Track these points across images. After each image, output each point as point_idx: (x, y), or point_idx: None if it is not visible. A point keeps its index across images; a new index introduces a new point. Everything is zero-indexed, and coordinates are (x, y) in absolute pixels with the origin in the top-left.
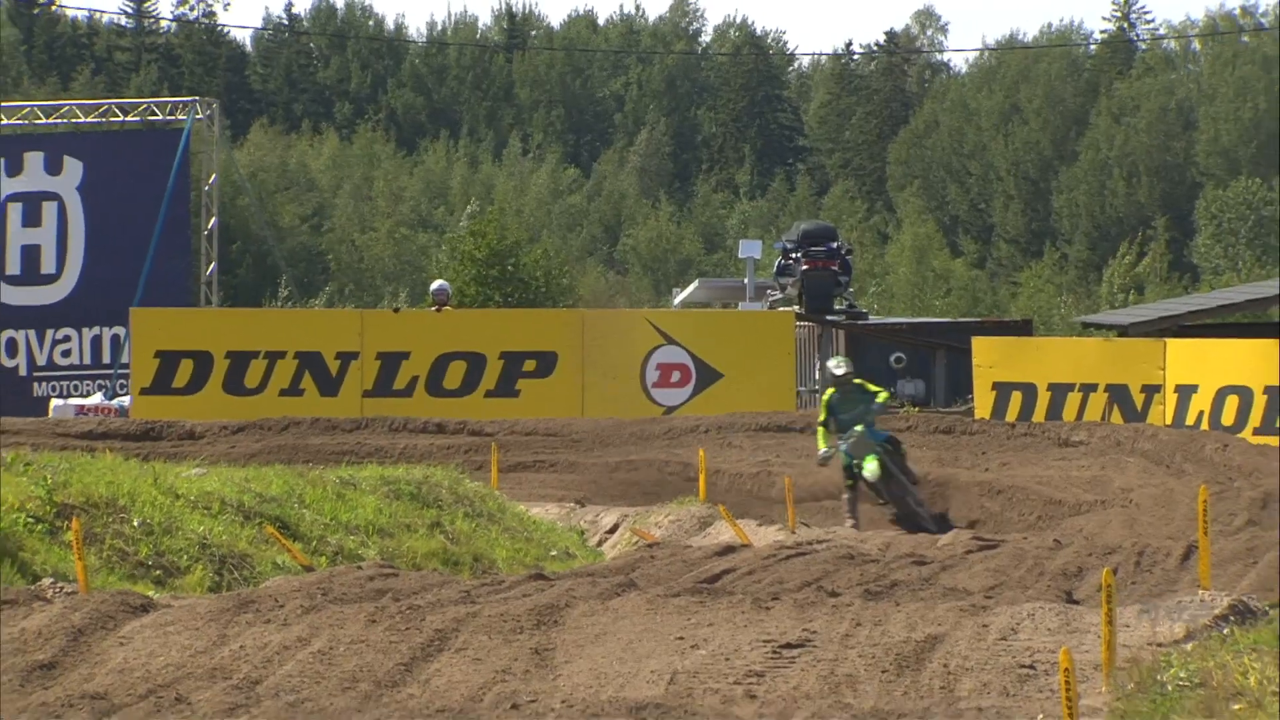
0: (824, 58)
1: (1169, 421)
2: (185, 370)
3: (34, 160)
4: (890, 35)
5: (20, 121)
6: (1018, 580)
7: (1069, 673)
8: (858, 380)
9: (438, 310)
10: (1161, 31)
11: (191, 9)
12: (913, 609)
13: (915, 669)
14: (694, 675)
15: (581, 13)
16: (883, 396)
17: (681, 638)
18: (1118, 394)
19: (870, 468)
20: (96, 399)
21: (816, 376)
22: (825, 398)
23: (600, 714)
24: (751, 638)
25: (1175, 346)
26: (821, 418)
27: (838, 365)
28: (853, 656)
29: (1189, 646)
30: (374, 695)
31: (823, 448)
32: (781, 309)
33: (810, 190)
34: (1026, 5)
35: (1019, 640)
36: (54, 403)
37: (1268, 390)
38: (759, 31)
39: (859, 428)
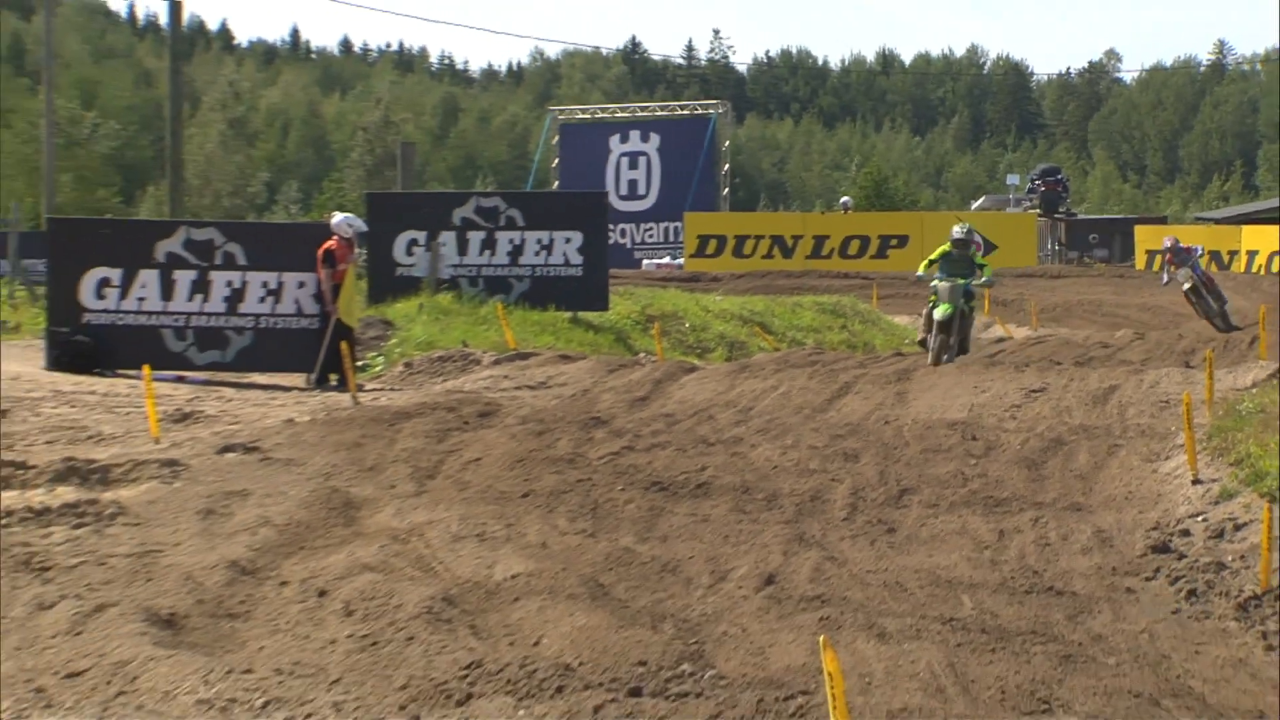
0: (1055, 75)
1: (1242, 270)
2: (712, 245)
3: (634, 134)
4: (1091, 64)
5: (628, 115)
6: (1159, 356)
7: (1188, 405)
8: (972, 251)
9: (845, 213)
10: (1241, 59)
11: (715, 53)
12: (1102, 371)
13: (1103, 403)
14: (983, 407)
15: (922, 53)
16: (987, 272)
17: (976, 387)
18: (1215, 256)
19: (942, 310)
20: (666, 260)
21: (1042, 251)
22: (940, 250)
23: (931, 426)
24: (1013, 387)
25: (1247, 230)
26: (930, 257)
27: (959, 228)
28: (1069, 397)
29: (1254, 390)
30: (810, 416)
31: (922, 272)
32: (1029, 211)
33: (1045, 148)
34: (1166, 45)
35: (1160, 388)
36: (645, 262)
37: None
38: (1016, 60)
39: (961, 280)
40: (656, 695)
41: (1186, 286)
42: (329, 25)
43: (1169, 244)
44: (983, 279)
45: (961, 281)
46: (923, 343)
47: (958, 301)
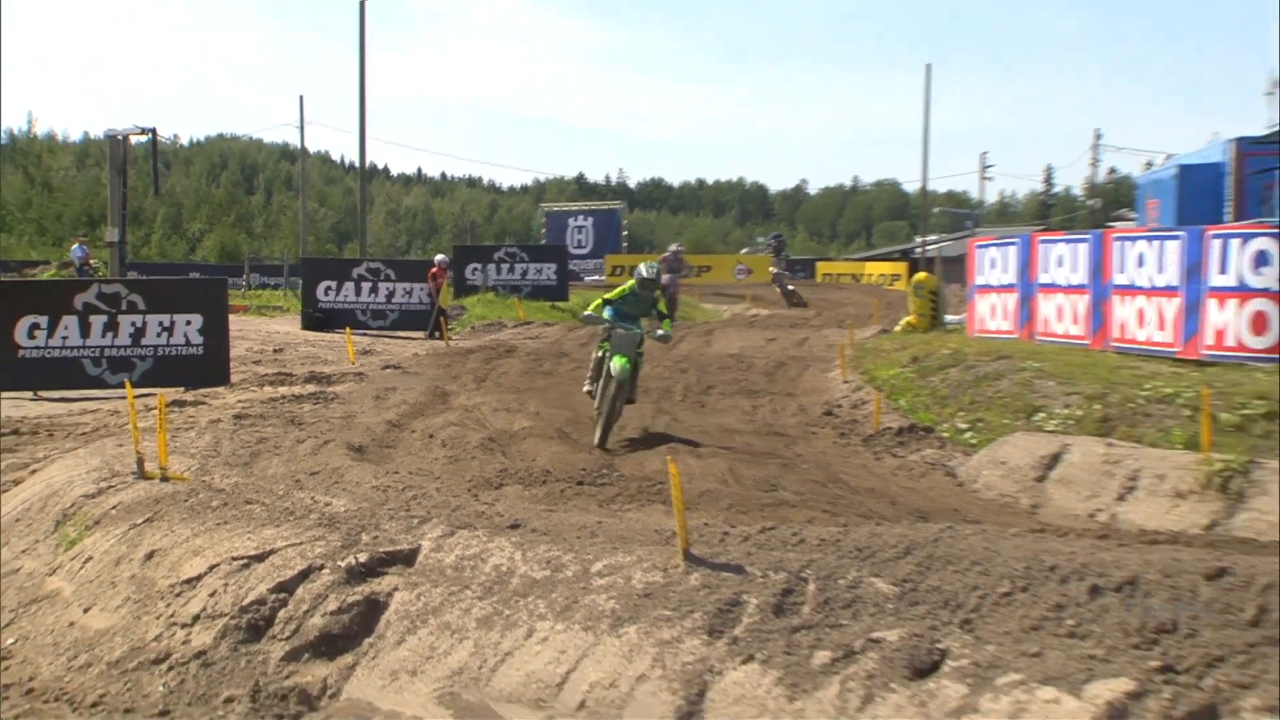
0: (780, 189)
1: (865, 282)
2: (620, 271)
3: (581, 218)
4: (795, 187)
5: (577, 208)
6: (828, 323)
7: (842, 345)
8: (658, 293)
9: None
10: (864, 184)
11: (620, 178)
12: (802, 330)
13: (802, 345)
14: (747, 346)
15: (719, 179)
16: (666, 325)
17: (743, 337)
18: (855, 279)
19: (618, 364)
20: (596, 277)
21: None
22: (626, 287)
23: (722, 356)
24: (761, 337)
25: (869, 265)
26: (609, 295)
27: (648, 268)
28: (786, 341)
29: (871, 338)
30: (666, 352)
31: (602, 315)
32: (767, 254)
33: (776, 224)
34: (824, 175)
35: (830, 338)
36: (585, 278)
37: (892, 275)
38: (762, 183)
39: (637, 330)
40: (589, 484)
41: (775, 272)
42: (435, 163)
43: (774, 242)
44: (660, 331)
45: (639, 331)
46: (591, 392)
47: (633, 355)
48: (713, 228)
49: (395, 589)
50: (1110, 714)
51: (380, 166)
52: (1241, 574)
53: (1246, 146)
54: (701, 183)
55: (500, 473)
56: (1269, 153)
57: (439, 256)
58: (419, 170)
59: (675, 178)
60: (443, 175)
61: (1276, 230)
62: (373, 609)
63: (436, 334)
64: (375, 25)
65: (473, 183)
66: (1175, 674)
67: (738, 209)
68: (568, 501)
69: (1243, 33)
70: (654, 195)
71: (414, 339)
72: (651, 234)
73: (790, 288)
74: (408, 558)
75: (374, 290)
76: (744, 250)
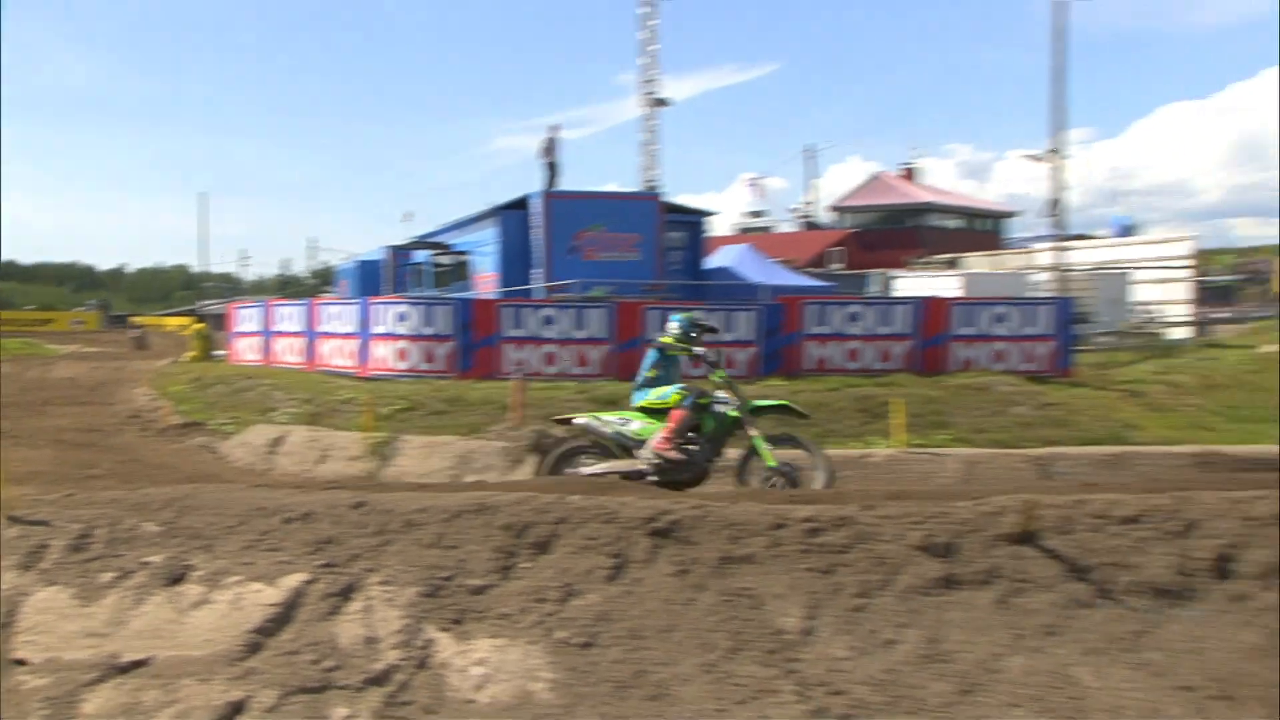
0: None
1: (165, 330)
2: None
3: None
4: (159, 263)
5: None
6: (140, 357)
7: (146, 371)
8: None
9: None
10: None
11: None
12: (119, 362)
13: (122, 371)
14: (79, 374)
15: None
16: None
17: (74, 368)
18: (159, 328)
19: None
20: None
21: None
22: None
23: (63, 378)
24: (88, 366)
25: (168, 319)
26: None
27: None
28: (108, 370)
29: (166, 366)
30: (118, 373)
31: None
32: (96, 311)
33: (101, 289)
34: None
35: (134, 367)
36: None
37: (182, 325)
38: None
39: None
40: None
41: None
42: None
43: (99, 304)
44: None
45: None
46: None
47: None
48: (57, 293)
49: None
50: (294, 594)
51: None
52: (373, 503)
53: (397, 251)
54: (46, 262)
55: None
56: (405, 256)
57: None
58: None
59: (26, 259)
60: None
61: (409, 301)
62: None
63: None
64: None
65: None
66: (333, 567)
67: (75, 282)
68: None
69: (383, 183)
70: (10, 271)
71: None
72: (13, 297)
73: (135, 335)
74: None
75: None
76: (78, 309)
